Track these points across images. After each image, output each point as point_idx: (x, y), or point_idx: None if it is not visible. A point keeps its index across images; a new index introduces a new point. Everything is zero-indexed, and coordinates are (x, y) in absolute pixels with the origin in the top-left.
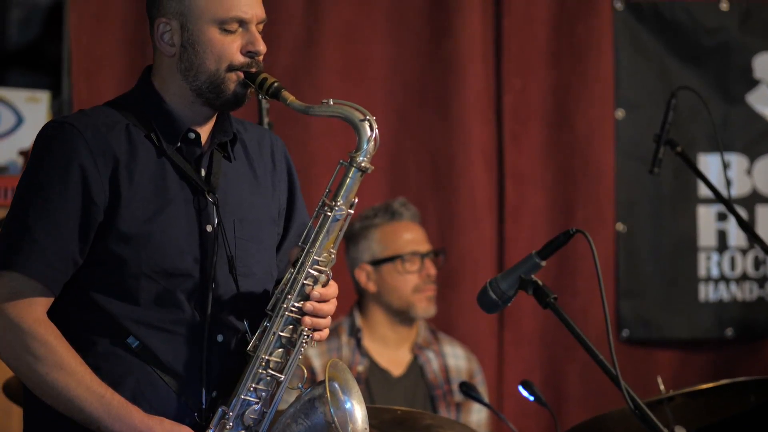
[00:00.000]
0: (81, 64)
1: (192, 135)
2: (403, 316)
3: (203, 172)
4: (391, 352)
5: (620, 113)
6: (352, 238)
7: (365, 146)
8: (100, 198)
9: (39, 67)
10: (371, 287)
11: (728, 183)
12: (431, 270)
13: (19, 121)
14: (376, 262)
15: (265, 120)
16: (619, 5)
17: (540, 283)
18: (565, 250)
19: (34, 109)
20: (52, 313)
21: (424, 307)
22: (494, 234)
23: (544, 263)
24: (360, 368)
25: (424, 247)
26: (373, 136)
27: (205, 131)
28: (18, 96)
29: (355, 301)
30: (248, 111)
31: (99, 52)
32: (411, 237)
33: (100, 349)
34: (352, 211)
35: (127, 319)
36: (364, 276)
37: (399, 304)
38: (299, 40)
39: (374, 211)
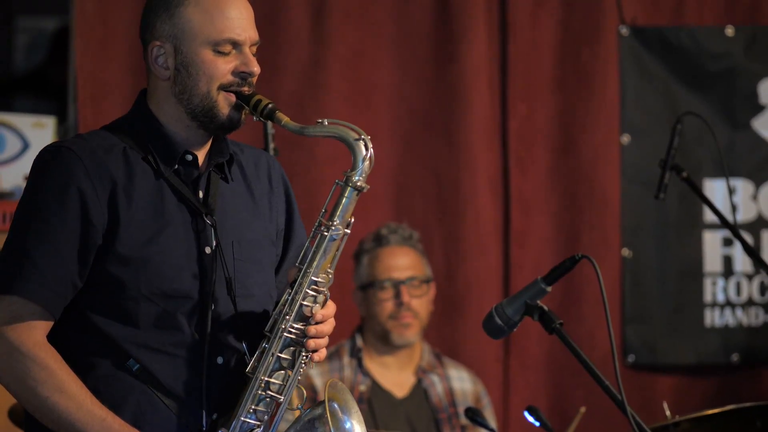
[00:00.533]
0: (87, 89)
1: (189, 157)
2: (384, 342)
3: (201, 194)
4: (394, 374)
5: (626, 138)
6: (354, 261)
7: (360, 165)
8: (98, 221)
9: (45, 92)
10: (361, 311)
11: (734, 208)
12: (406, 297)
13: (25, 146)
14: (361, 288)
15: (271, 145)
16: (624, 31)
17: (546, 308)
18: (570, 276)
19: (40, 134)
20: (51, 337)
21: (399, 333)
22: (500, 259)
23: (549, 289)
24: (362, 388)
25: (403, 274)
26: (368, 155)
27: (202, 153)
28: (24, 121)
29: (358, 323)
30: (255, 137)
31: (105, 78)
32: (390, 264)
33: (100, 372)
34: (348, 231)
35: (127, 342)
36: (356, 300)
37: (378, 330)
38: (305, 65)
39: (367, 237)
